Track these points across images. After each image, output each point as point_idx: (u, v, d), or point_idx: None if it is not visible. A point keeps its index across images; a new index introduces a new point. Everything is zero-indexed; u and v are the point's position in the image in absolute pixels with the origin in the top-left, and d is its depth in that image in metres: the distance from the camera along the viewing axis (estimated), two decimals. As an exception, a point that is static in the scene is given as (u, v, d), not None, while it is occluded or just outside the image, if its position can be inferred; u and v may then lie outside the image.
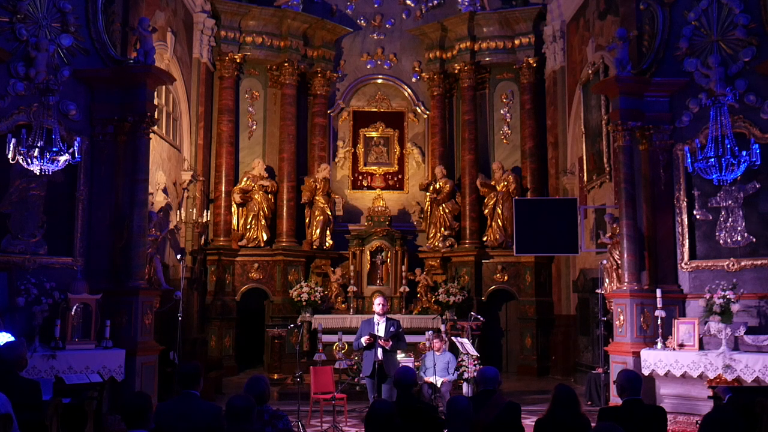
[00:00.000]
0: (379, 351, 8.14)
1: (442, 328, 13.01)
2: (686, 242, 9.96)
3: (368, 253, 15.20)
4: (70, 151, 8.09)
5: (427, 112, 16.80)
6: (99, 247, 9.49)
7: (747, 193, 9.63)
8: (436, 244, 15.66)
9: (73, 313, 8.60)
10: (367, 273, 15.17)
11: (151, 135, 10.20)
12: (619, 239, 10.12)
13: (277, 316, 14.87)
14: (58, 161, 8.03)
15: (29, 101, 8.84)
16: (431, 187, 15.82)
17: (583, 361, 13.33)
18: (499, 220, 15.35)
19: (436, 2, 16.78)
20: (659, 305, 9.45)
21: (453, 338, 11.24)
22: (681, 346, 9.23)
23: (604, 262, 10.60)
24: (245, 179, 15.37)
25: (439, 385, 9.79)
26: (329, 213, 15.48)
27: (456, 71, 16.18)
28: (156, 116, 10.49)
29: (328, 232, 15.50)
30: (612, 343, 10.16)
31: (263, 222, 15.33)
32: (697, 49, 10.02)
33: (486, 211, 15.57)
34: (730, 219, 9.74)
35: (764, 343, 8.79)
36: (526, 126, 15.72)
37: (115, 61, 9.69)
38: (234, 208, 15.34)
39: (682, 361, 9.08)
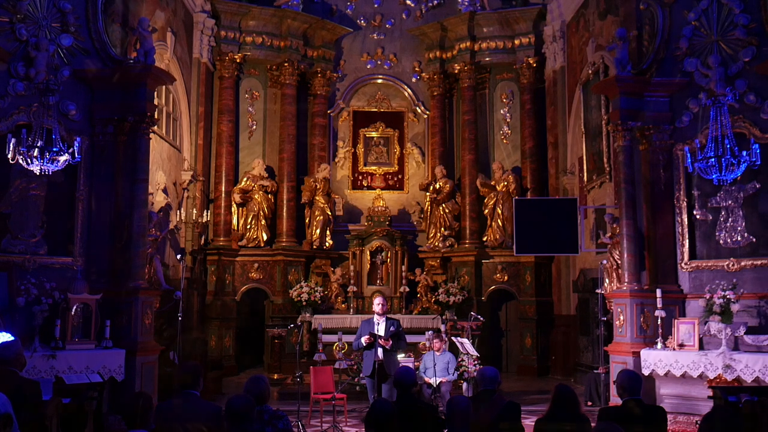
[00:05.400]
0: (379, 351, 8.15)
1: (442, 328, 13.02)
2: (686, 242, 9.96)
3: (368, 253, 15.20)
4: (70, 151, 8.09)
5: (427, 112, 16.80)
6: (99, 247, 9.48)
7: (747, 193, 9.63)
8: (436, 244, 15.67)
9: (73, 313, 8.60)
10: (367, 273, 15.17)
11: (151, 135, 10.19)
12: (619, 239, 10.12)
13: (277, 316, 14.86)
14: (58, 161, 8.03)
15: (29, 101, 8.84)
16: (431, 187, 15.82)
17: (583, 361, 13.33)
18: (499, 220, 15.35)
19: (436, 2, 16.78)
20: (659, 305, 9.45)
21: (453, 338, 11.24)
22: (681, 346, 9.23)
23: (604, 262, 10.61)
24: (245, 179, 15.37)
25: (437, 385, 9.80)
26: (329, 213, 15.48)
27: (456, 71, 16.19)
28: (156, 116, 10.49)
29: (328, 232, 15.50)
30: (612, 343, 10.16)
31: (263, 222, 15.33)
32: (697, 49, 10.02)
33: (486, 211, 15.57)
34: (730, 219, 9.74)
35: (764, 343, 8.79)
36: (526, 126, 15.73)
37: (115, 61, 9.68)
38: (234, 208, 15.34)
39: (682, 361, 9.08)
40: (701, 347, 9.18)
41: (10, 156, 7.88)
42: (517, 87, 16.08)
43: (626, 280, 9.89)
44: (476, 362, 10.61)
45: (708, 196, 9.89)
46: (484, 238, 15.55)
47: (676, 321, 9.43)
